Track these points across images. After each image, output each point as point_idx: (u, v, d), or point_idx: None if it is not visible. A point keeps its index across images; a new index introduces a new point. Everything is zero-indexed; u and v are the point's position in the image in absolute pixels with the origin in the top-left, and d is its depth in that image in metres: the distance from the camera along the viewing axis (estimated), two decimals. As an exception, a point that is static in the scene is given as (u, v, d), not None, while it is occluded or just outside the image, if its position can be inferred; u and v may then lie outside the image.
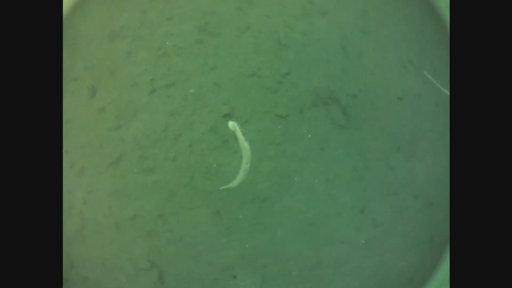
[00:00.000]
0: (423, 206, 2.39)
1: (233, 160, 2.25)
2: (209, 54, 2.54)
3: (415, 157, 2.40)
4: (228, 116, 2.26)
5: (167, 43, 2.45)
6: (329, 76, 2.54)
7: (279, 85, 2.44)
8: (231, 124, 1.92)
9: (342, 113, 2.45)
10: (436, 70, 2.50)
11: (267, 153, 2.25)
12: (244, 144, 1.82)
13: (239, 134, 1.86)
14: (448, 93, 1.96)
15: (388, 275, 2.30)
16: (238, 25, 2.48)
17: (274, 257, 2.13)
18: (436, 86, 2.25)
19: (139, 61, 2.55)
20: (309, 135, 2.36)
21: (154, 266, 2.14)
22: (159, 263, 2.16)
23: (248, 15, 2.56)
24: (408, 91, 2.48)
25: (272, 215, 2.13)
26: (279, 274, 2.16)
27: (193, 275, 2.12)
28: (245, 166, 1.89)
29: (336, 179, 2.29)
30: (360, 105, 2.48)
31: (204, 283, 2.12)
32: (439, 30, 2.68)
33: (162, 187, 2.20)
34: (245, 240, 2.10)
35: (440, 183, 2.40)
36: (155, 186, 2.20)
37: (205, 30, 2.50)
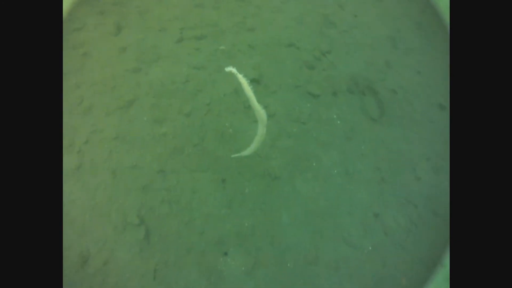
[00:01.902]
0: (440, 225, 2.08)
1: (251, 129, 1.94)
2: (249, 13, 2.25)
3: (444, 172, 2.08)
4: (256, 82, 1.97)
5: (206, -8, 2.17)
6: (371, 65, 2.21)
7: (317, 62, 2.13)
8: (231, 69, 1.46)
9: (377, 107, 2.13)
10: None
11: (289, 129, 1.94)
12: (259, 110, 1.48)
13: (252, 97, 1.48)
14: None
15: (388, 289, 2.01)
16: (286, -12, 2.17)
17: (272, 242, 1.85)
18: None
19: (173, 7, 2.27)
20: (338, 121, 2.05)
21: (143, 224, 1.89)
22: (149, 222, 1.90)
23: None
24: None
25: (280, 196, 1.83)
26: (273, 261, 1.88)
27: (181, 242, 1.86)
28: (260, 135, 1.59)
29: (356, 174, 1.98)
30: (397, 103, 2.16)
31: (191, 253, 1.86)
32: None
33: (169, 142, 1.92)
34: (246, 217, 1.80)
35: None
36: (162, 139, 1.92)
37: (250, -14, 2.19)
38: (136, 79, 2.03)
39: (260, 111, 1.46)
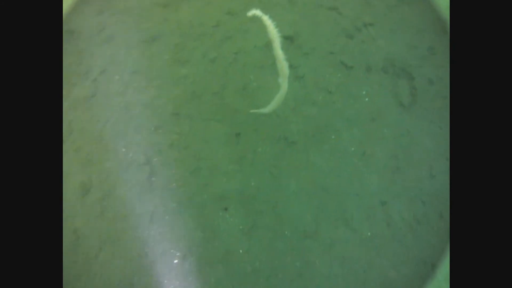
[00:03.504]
0: (443, 228, 1.95)
1: (276, 87, 1.81)
2: None
3: None
4: (289, 40, 1.78)
5: None
6: (413, 48, 1.98)
7: (356, 32, 1.91)
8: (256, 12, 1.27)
9: (409, 93, 1.93)
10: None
11: (314, 96, 1.76)
12: (282, 62, 1.28)
13: (277, 46, 1.28)
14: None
15: (375, 279, 1.93)
16: None
17: (275, 207, 1.73)
18: None
19: None
20: (366, 99, 1.86)
21: (148, 164, 1.77)
22: (154, 163, 1.78)
23: None
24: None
25: (292, 163, 1.68)
26: (271, 226, 1.78)
27: (184, 190, 1.74)
28: (281, 93, 1.42)
29: (372, 157, 1.82)
30: (431, 94, 1.95)
31: (191, 202, 1.75)
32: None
33: (188, 85, 1.76)
34: (253, 177, 1.67)
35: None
36: (181, 82, 1.76)
37: None
38: (164, 14, 1.84)
39: (282, 62, 1.29)
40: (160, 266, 1.76)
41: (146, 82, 1.80)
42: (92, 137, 1.89)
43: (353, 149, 1.76)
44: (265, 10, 1.84)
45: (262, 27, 1.85)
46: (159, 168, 1.75)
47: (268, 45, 1.79)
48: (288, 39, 1.77)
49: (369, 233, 1.79)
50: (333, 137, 1.73)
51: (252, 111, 1.66)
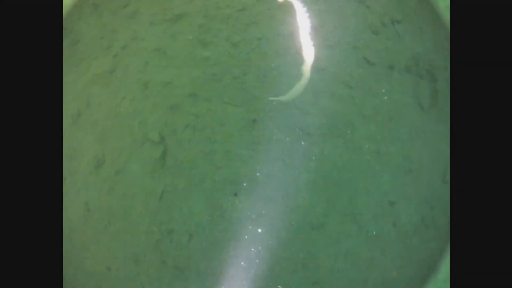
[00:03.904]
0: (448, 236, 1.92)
1: (297, 76, 1.74)
2: None
3: None
4: (315, 30, 1.73)
5: None
6: (440, 49, 1.92)
7: (382, 28, 1.86)
8: None
9: (430, 95, 1.89)
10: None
11: (334, 89, 1.71)
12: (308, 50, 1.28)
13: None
14: None
15: (376, 277, 1.92)
16: None
17: (284, 196, 1.69)
18: None
19: None
20: (385, 97, 1.82)
21: (162, 143, 1.77)
22: (169, 143, 1.77)
23: None
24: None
25: (306, 154, 1.66)
26: (279, 215, 1.74)
27: (196, 171, 1.75)
28: (301, 82, 1.40)
29: (386, 156, 1.79)
30: (452, 97, 1.93)
31: (202, 184, 1.75)
32: None
33: (209, 67, 1.73)
34: (266, 164, 1.64)
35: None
36: (203, 63, 1.73)
37: None
38: (190, -6, 1.83)
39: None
40: (166, 245, 1.78)
41: (166, 61, 1.78)
42: (108, 112, 1.88)
43: (367, 146, 1.73)
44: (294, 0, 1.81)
45: (288, 15, 1.82)
46: (174, 147, 1.75)
47: (292, 33, 1.76)
48: (313, 29, 1.73)
49: (374, 232, 1.78)
50: (348, 132, 1.70)
51: (271, 98, 1.65)
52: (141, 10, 1.88)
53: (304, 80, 1.54)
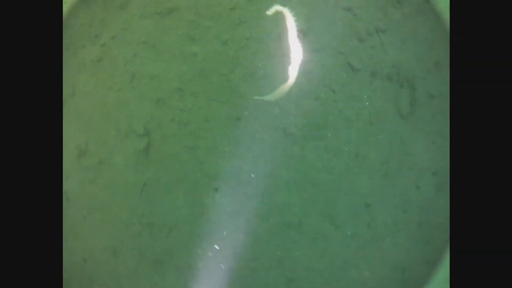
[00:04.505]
0: (420, 238, 1.99)
1: (283, 77, 1.71)
2: None
3: (444, 192, 1.93)
4: (302, 33, 1.77)
5: None
6: (420, 60, 1.98)
7: (367, 37, 1.90)
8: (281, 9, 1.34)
9: (409, 104, 1.94)
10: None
11: (318, 92, 1.73)
12: (295, 46, 1.32)
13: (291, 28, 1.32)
14: None
15: (350, 277, 1.96)
16: None
17: (263, 194, 1.69)
18: None
19: None
20: (366, 103, 1.86)
21: (147, 136, 1.74)
22: (153, 136, 1.75)
23: None
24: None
25: (287, 154, 1.68)
26: (257, 212, 1.74)
27: (178, 166, 1.72)
28: (289, 81, 1.42)
29: (365, 160, 1.83)
30: (430, 108, 1.96)
31: (184, 179, 1.72)
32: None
33: (197, 63, 1.71)
34: (248, 161, 1.66)
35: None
36: (191, 59, 1.72)
37: None
38: (182, -11, 1.81)
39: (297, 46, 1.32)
40: (145, 237, 1.77)
41: (155, 54, 1.76)
42: (93, 102, 1.85)
43: (347, 149, 1.76)
44: (282, 2, 1.83)
45: (277, 17, 1.84)
46: (157, 141, 1.73)
47: (280, 35, 1.77)
48: (300, 33, 1.75)
49: (349, 232, 1.82)
50: (329, 134, 1.73)
51: (255, 97, 1.65)
52: (132, 1, 1.85)
53: (289, 82, 1.56)
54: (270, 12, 1.48)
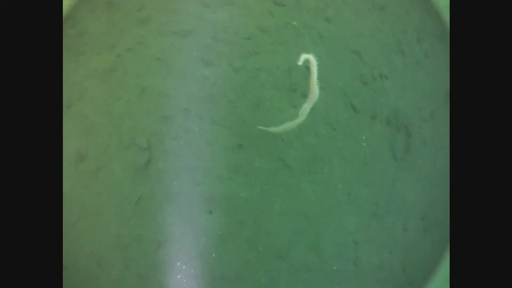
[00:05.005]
0: (403, 281, 1.98)
1: (288, 111, 1.77)
2: (334, 4, 1.99)
3: (430, 235, 1.95)
4: (310, 71, 1.84)
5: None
6: (417, 109, 2.03)
7: (371, 80, 1.94)
8: (308, 57, 1.44)
9: (404, 148, 2.00)
10: None
11: (319, 129, 1.77)
12: (314, 89, 1.39)
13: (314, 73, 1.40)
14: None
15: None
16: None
17: (256, 221, 1.68)
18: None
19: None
20: (364, 144, 1.92)
21: (148, 150, 1.75)
22: (155, 151, 1.75)
23: None
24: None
25: (283, 185, 1.70)
26: (248, 239, 1.71)
27: (176, 183, 1.70)
28: (299, 119, 1.47)
29: (356, 198, 1.83)
30: (423, 155, 2.00)
31: (180, 197, 1.71)
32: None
33: (207, 86, 1.74)
34: (244, 188, 1.67)
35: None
36: (201, 81, 1.74)
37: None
38: (201, 13, 1.84)
39: (315, 89, 1.40)
40: (133, 250, 1.73)
41: (167, 72, 1.79)
42: (100, 109, 1.85)
43: (341, 186, 1.80)
44: (295, 37, 1.89)
45: (289, 50, 1.90)
46: (158, 157, 1.73)
47: (290, 70, 1.83)
48: (309, 70, 1.82)
49: (335, 267, 1.83)
50: (326, 170, 1.77)
51: (259, 127, 1.69)
52: (152, 18, 1.90)
53: (298, 120, 1.61)
54: (300, 62, 1.58)
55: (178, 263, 1.66)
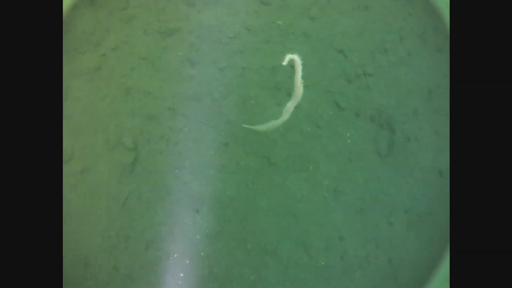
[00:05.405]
0: (389, 275, 1.99)
1: (272, 109, 1.78)
2: (318, 3, 2.01)
3: (415, 229, 1.97)
4: (291, 67, 1.84)
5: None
6: (400, 106, 2.06)
7: (355, 78, 1.96)
8: (293, 57, 1.45)
9: (387, 145, 2.03)
10: None
11: (304, 126, 1.78)
12: (299, 87, 1.40)
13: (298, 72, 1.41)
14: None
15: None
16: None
17: (243, 220, 1.69)
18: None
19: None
20: (349, 141, 1.93)
21: (135, 150, 1.72)
22: (141, 152, 1.73)
23: None
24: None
25: (269, 183, 1.70)
26: (235, 236, 1.71)
27: (162, 184, 1.69)
28: (283, 117, 1.47)
29: (342, 194, 1.85)
30: (406, 151, 2.04)
31: (167, 196, 1.68)
32: None
33: (192, 85, 1.74)
34: (231, 187, 1.67)
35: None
36: (186, 80, 1.74)
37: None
38: (187, 12, 1.83)
39: (299, 88, 1.40)
40: (121, 251, 1.71)
41: (152, 71, 1.78)
42: (85, 109, 1.83)
43: (326, 183, 1.82)
44: (280, 36, 1.90)
45: (273, 49, 1.90)
46: (144, 157, 1.72)
47: (274, 69, 1.83)
48: (294, 69, 1.83)
49: (323, 263, 1.85)
50: (311, 168, 1.78)
51: (244, 125, 1.69)
52: (137, 17, 1.88)
53: (283, 118, 1.61)
54: (284, 62, 1.58)
55: (167, 263, 1.66)
